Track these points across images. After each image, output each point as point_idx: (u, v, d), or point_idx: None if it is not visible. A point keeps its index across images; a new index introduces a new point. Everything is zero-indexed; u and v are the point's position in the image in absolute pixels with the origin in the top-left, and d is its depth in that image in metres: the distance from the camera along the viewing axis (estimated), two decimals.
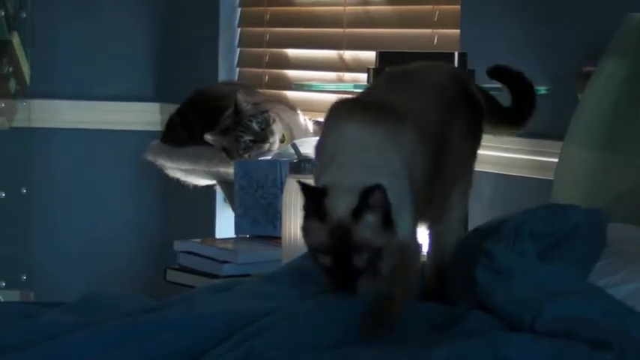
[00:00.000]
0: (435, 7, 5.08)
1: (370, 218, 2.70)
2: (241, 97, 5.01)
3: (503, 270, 2.91)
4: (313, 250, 2.78)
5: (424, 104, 3.17)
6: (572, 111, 4.14)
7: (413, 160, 2.95)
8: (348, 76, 5.35)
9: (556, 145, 4.20)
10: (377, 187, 2.68)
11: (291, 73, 5.68)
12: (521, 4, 4.68)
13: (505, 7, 4.72)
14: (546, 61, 4.54)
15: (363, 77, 4.82)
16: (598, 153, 3.95)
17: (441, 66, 3.54)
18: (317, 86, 5.37)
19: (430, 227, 3.32)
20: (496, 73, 3.52)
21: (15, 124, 6.14)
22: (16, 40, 6.12)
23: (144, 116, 6.07)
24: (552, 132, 4.33)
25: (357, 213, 2.69)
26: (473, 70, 4.45)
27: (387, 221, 2.73)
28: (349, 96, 3.44)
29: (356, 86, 4.91)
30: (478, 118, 3.39)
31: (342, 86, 5.31)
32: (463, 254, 3.21)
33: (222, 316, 2.89)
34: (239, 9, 5.95)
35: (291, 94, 5.60)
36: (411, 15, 5.22)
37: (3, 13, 6.01)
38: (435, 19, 5.08)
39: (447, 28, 5.01)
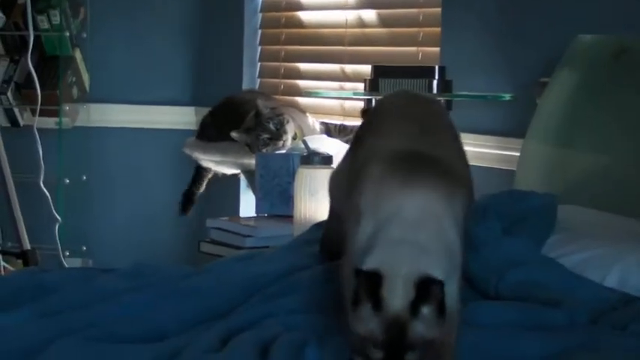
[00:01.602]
0: (420, 29, 5.07)
1: (426, 311, 2.14)
2: (261, 103, 5.00)
3: (474, 242, 2.90)
4: (362, 339, 2.16)
5: (455, 150, 2.69)
6: (531, 113, 4.13)
7: (463, 220, 2.44)
8: (348, 85, 5.33)
9: (518, 142, 4.20)
10: (434, 280, 2.14)
11: (302, 83, 5.66)
12: (489, 26, 4.66)
13: (477, 28, 4.70)
14: (511, 72, 4.52)
15: (360, 86, 4.80)
16: (552, 148, 3.94)
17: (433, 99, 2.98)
18: (323, 93, 5.37)
19: None
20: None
21: (77, 124, 6.13)
22: (78, 55, 6.11)
23: (182, 118, 6.05)
24: (515, 130, 4.32)
25: (414, 307, 2.14)
26: (450, 80, 4.44)
27: (441, 311, 2.16)
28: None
29: (355, 93, 4.91)
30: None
31: (343, 94, 5.30)
32: None
33: (245, 280, 2.88)
34: (259, 30, 5.93)
35: (301, 100, 5.59)
36: (399, 35, 5.20)
37: (68, 34, 5.98)
38: (420, 39, 5.07)
39: (430, 46, 4.98)
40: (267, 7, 5.93)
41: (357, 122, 5.04)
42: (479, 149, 4.54)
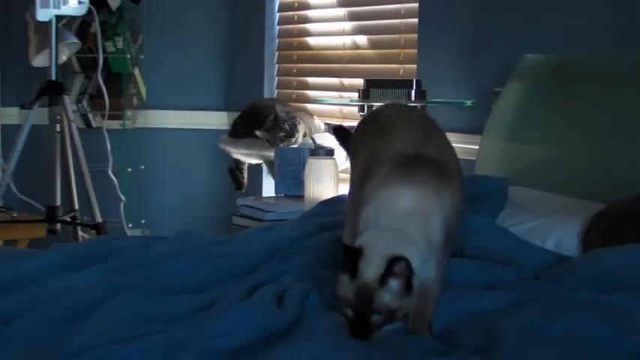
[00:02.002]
0: (401, 50, 5.05)
1: (393, 284, 2.16)
2: (279, 108, 4.99)
3: None
4: (340, 300, 2.22)
5: (450, 149, 2.63)
6: (487, 116, 4.12)
7: (454, 213, 2.38)
8: (345, 94, 5.31)
9: (477, 138, 4.19)
10: (402, 259, 2.15)
11: (310, 93, 5.65)
12: (455, 48, 4.64)
13: (445, 50, 4.69)
14: (472, 84, 4.51)
15: (355, 95, 4.79)
16: (504, 142, 3.94)
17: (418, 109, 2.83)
18: (326, 101, 5.36)
19: None
20: (337, 131, 3.02)
21: (136, 125, 6.13)
22: (137, 72, 6.10)
23: (216, 120, 6.06)
24: (475, 129, 4.31)
25: (383, 279, 2.15)
26: (425, 90, 4.43)
27: (408, 287, 2.18)
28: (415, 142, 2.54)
29: (351, 101, 4.90)
30: None
31: (342, 101, 5.29)
32: None
33: (266, 246, 2.89)
34: (277, 52, 5.93)
35: (310, 106, 5.57)
36: (385, 55, 5.18)
37: (129, 56, 5.98)
38: (401, 58, 5.05)
39: (409, 64, 4.96)
40: (283, 33, 5.91)
41: (353, 123, 5.05)
42: (453, 144, 4.53)
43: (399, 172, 2.37)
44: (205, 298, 2.42)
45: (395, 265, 2.15)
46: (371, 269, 2.17)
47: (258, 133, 4.99)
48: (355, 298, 2.17)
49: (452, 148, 2.64)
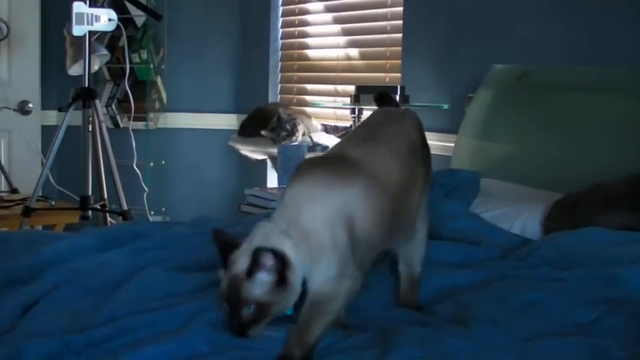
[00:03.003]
0: (387, 61, 5.05)
1: (263, 277, 1.89)
2: (281, 110, 5.00)
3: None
4: (219, 294, 1.98)
5: (394, 160, 2.14)
6: (462, 117, 4.13)
7: (357, 214, 2.00)
8: (339, 99, 5.30)
9: (453, 137, 4.21)
10: (267, 250, 1.88)
11: (309, 98, 5.64)
12: (433, 59, 4.65)
13: (425, 61, 4.69)
14: (448, 90, 4.52)
15: (347, 100, 4.79)
16: (476, 140, 3.95)
17: (411, 115, 2.37)
18: (322, 104, 5.36)
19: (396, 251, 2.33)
20: (380, 98, 2.53)
21: (158, 126, 6.13)
22: (159, 80, 6.11)
23: (227, 121, 6.04)
24: (451, 129, 4.32)
25: (249, 271, 1.90)
26: (408, 95, 4.43)
27: (282, 281, 1.90)
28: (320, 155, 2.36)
29: (344, 104, 4.89)
30: (428, 153, 2.36)
31: (336, 104, 5.29)
32: None
33: None
34: (280, 63, 5.92)
35: (308, 109, 5.57)
36: (373, 66, 5.18)
37: (152, 66, 5.99)
38: (387, 68, 5.05)
39: (394, 72, 4.96)
40: (285, 46, 5.91)
41: (346, 124, 5.05)
42: (432, 142, 4.47)
43: (301, 169, 2.08)
44: (216, 275, 2.43)
45: (259, 256, 1.89)
46: (240, 261, 1.93)
47: (263, 132, 4.99)
48: (227, 290, 1.93)
49: (399, 159, 2.17)
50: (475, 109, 4.04)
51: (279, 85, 5.95)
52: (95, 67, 5.37)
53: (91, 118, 4.67)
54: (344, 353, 1.89)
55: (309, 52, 5.73)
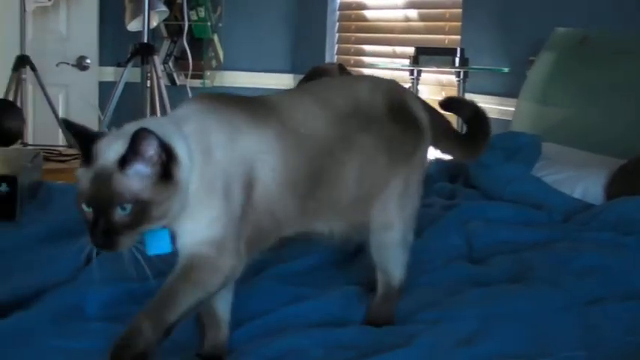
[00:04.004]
0: (446, 23, 5.05)
1: (141, 168, 1.49)
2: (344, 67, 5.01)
3: (484, 164, 2.91)
4: (77, 199, 1.54)
5: (318, 115, 1.77)
6: (522, 81, 4.11)
7: (270, 172, 1.66)
8: (397, 60, 5.30)
9: (513, 101, 4.18)
10: (149, 131, 1.48)
11: (366, 59, 5.63)
12: (494, 21, 4.62)
13: (486, 23, 4.67)
14: (509, 53, 4.50)
15: (406, 61, 4.78)
16: (536, 105, 3.93)
17: (378, 81, 1.95)
18: (380, 65, 5.35)
19: (366, 245, 1.92)
20: (449, 104, 2.20)
21: (215, 84, 6.18)
22: (215, 38, 6.14)
23: (284, 81, 6.04)
24: (512, 92, 4.30)
25: (124, 160, 1.50)
26: (467, 58, 4.41)
27: (166, 175, 1.51)
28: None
29: (403, 66, 4.87)
30: (411, 132, 1.90)
31: (394, 66, 5.28)
32: None
33: None
34: (337, 23, 5.91)
35: (365, 70, 5.56)
36: (433, 27, 5.17)
37: (209, 24, 6.03)
38: (446, 30, 5.04)
39: (453, 35, 4.95)
40: (343, 6, 5.90)
41: (405, 85, 5.03)
42: (488, 105, 4.52)
43: (203, 96, 1.76)
44: None
45: (140, 139, 1.49)
46: (110, 151, 1.52)
47: None
48: (91, 187, 1.51)
49: (329, 114, 1.79)
50: (536, 73, 4.02)
51: (337, 46, 5.94)
52: (154, 24, 5.41)
53: (149, 75, 4.71)
54: (404, 312, 1.90)
55: (367, 13, 5.72)
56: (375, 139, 1.82)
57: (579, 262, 2.15)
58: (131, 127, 1.54)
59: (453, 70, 4.47)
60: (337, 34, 5.93)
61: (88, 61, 6.03)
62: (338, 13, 5.93)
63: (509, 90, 4.41)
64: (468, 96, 4.43)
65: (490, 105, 4.56)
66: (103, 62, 6.20)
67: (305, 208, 1.75)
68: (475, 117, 2.13)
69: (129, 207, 1.49)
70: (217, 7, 6.14)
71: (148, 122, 1.57)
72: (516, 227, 2.49)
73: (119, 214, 1.50)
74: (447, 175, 3.23)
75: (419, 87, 4.69)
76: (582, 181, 2.98)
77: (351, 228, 1.87)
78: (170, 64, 6.13)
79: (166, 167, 1.52)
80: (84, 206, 1.53)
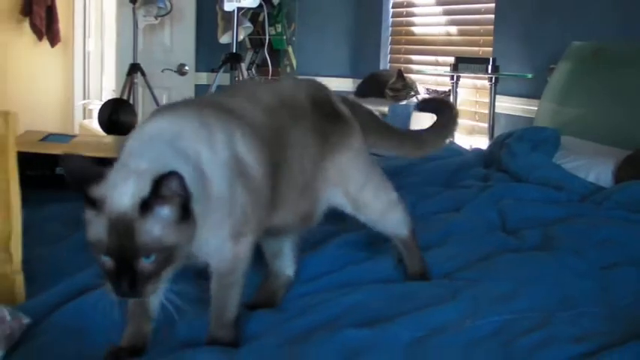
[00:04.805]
0: (480, 37, 4.97)
1: (164, 212, 1.20)
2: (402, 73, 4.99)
3: (514, 153, 2.88)
4: (91, 246, 1.22)
5: (254, 107, 1.51)
6: (544, 85, 4.05)
7: (252, 159, 1.42)
8: (439, 68, 5.25)
9: (536, 101, 4.12)
10: (174, 174, 1.18)
11: (413, 67, 5.59)
12: (521, 35, 4.57)
13: (513, 36, 4.61)
14: (533, 62, 4.43)
15: (446, 69, 4.74)
16: (556, 105, 3.88)
17: (299, 80, 1.76)
18: (425, 72, 5.31)
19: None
20: (425, 104, 2.08)
21: None
22: (290, 49, 6.14)
23: (346, 84, 6.03)
24: (535, 95, 4.24)
25: (147, 205, 1.19)
26: (498, 65, 4.36)
27: (185, 214, 1.23)
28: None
29: (445, 72, 4.83)
30: (335, 123, 1.68)
31: (437, 71, 5.24)
32: (495, 147, 3.16)
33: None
34: (390, 37, 5.87)
35: (413, 76, 5.52)
36: (469, 40, 5.11)
37: (285, 37, 6.04)
38: (481, 43, 4.97)
39: (486, 47, 4.89)
40: (395, 23, 5.85)
41: (445, 88, 5.00)
42: (517, 105, 4.50)
43: (162, 109, 1.45)
44: None
45: (167, 183, 1.19)
46: (124, 193, 1.19)
47: (388, 90, 4.96)
48: (110, 238, 1.19)
49: (259, 107, 1.54)
50: (556, 79, 3.96)
51: (389, 56, 5.90)
52: (241, 37, 5.44)
53: (236, 78, 4.73)
54: (443, 275, 1.89)
55: (415, 29, 5.68)
56: (305, 130, 1.61)
57: (596, 234, 2.12)
58: (135, 162, 1.24)
59: (486, 75, 4.43)
60: (389, 46, 5.90)
61: (187, 67, 6.07)
62: (391, 28, 5.90)
63: (532, 93, 4.35)
64: (499, 97, 4.40)
65: (516, 105, 4.52)
66: (198, 69, 6.24)
67: (273, 200, 1.51)
68: (443, 114, 1.95)
69: (154, 256, 1.21)
70: (292, 24, 6.15)
71: (153, 148, 1.28)
72: (542, 205, 2.46)
73: (143, 264, 1.21)
74: (481, 162, 3.20)
75: (458, 89, 4.65)
76: (595, 168, 2.93)
77: (299, 220, 1.64)
78: (253, 70, 6.13)
79: (185, 205, 1.23)
80: (102, 256, 1.21)
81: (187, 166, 1.27)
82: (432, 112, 1.99)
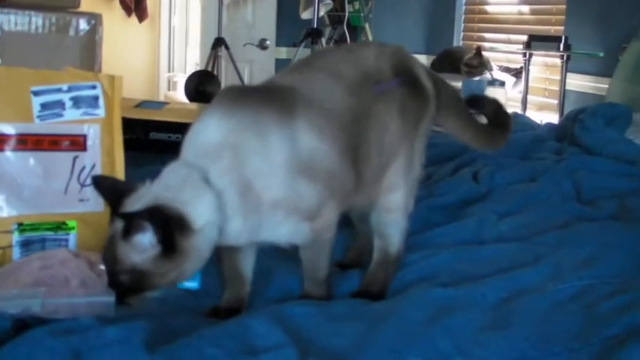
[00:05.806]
0: (552, 16, 4.89)
1: (140, 240, 1.21)
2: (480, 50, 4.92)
3: (587, 128, 2.83)
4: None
5: (335, 85, 1.43)
6: (615, 64, 3.98)
7: (320, 152, 1.34)
8: (511, 46, 5.18)
9: (607, 79, 4.05)
10: (144, 222, 1.20)
11: (486, 44, 5.52)
12: (592, 15, 4.47)
13: (585, 16, 4.52)
14: (604, 41, 4.34)
15: (517, 47, 4.67)
16: (626, 83, 3.80)
17: (384, 47, 1.61)
18: (499, 49, 5.24)
19: (369, 212, 1.58)
20: (471, 102, 1.80)
21: None
22: (367, 26, 6.11)
23: (420, 60, 5.98)
24: (606, 73, 4.15)
25: (126, 233, 1.22)
26: (570, 44, 4.28)
27: (171, 248, 1.22)
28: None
29: (518, 49, 4.76)
30: (418, 99, 1.56)
31: (509, 48, 5.16)
32: (567, 121, 3.12)
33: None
34: (463, 15, 5.80)
35: (486, 53, 5.46)
36: (542, 19, 5.03)
37: (362, 15, 6.00)
38: (553, 21, 4.89)
39: (558, 25, 4.80)
40: (468, 2, 5.80)
41: (517, 65, 4.92)
42: (587, 83, 4.42)
43: (222, 97, 1.35)
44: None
45: (135, 220, 1.20)
46: (120, 221, 1.25)
47: (463, 66, 4.91)
48: (104, 247, 1.27)
49: (343, 85, 1.45)
50: (627, 57, 3.88)
51: (462, 34, 5.85)
52: (321, 13, 5.44)
53: None
54: (523, 241, 1.86)
55: (488, 8, 5.60)
56: (387, 105, 1.49)
57: None
58: (156, 184, 1.27)
59: (558, 54, 4.35)
60: (463, 24, 5.84)
61: (268, 42, 6.08)
62: (464, 7, 5.83)
63: (603, 71, 4.26)
64: (570, 75, 4.32)
65: (587, 82, 4.43)
66: (279, 43, 6.27)
67: (359, 177, 1.44)
68: (496, 114, 1.81)
69: (128, 276, 1.23)
70: (369, 2, 6.14)
71: (176, 178, 1.27)
72: (616, 177, 2.41)
73: (123, 279, 1.24)
74: (554, 136, 3.14)
75: (530, 67, 4.58)
76: None
77: (369, 202, 1.55)
78: (331, 45, 6.14)
79: (171, 240, 1.22)
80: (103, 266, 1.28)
81: (207, 197, 1.26)
82: (480, 109, 1.83)
